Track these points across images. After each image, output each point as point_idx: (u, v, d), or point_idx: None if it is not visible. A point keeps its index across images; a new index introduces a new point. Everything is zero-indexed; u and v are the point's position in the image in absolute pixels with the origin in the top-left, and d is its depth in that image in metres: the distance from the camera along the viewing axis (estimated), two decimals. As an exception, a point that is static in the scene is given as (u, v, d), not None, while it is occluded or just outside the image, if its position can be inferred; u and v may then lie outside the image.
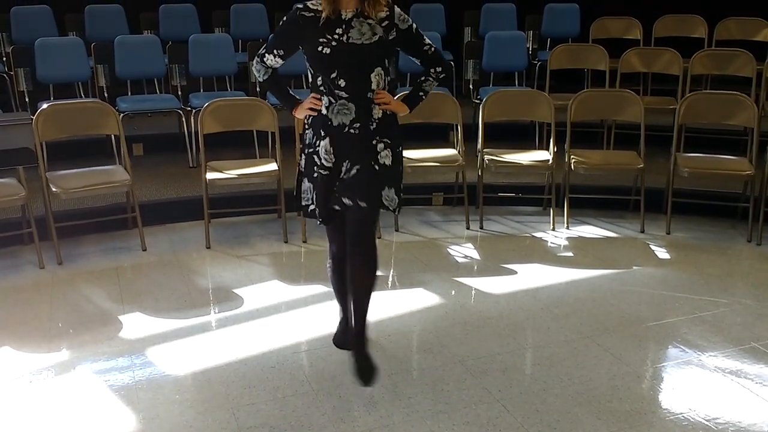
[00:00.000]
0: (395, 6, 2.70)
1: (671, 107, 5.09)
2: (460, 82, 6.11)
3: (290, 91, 2.88)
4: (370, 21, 2.62)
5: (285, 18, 2.71)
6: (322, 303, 3.54)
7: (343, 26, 2.61)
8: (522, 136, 5.41)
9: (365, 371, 2.72)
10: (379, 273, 3.85)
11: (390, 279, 3.91)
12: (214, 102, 4.30)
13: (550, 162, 4.51)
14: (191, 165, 5.17)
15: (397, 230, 4.51)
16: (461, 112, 4.65)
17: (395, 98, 2.76)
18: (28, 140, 3.89)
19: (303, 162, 2.78)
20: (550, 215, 4.62)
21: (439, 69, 2.81)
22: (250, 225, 4.59)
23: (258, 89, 5.63)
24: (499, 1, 6.66)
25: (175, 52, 5.59)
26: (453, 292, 3.70)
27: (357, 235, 2.69)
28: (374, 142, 2.69)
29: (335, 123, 2.65)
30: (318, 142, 2.69)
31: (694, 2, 6.38)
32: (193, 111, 4.98)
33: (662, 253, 4.24)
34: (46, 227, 3.99)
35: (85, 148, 5.01)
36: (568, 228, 4.57)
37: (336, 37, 2.59)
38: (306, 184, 2.77)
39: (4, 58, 5.77)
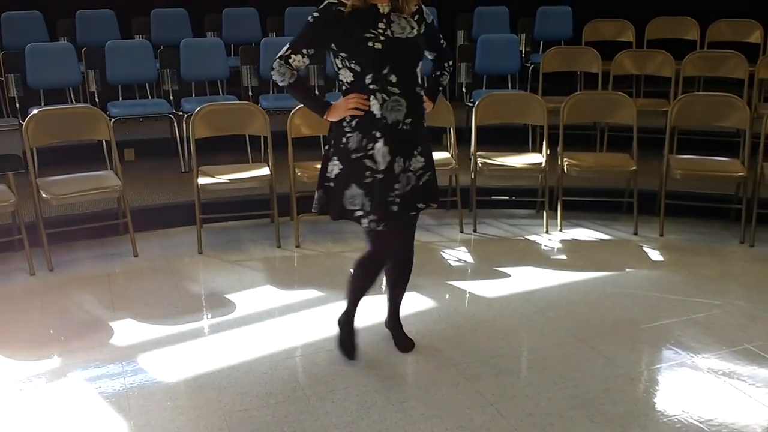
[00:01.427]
0: (422, 4, 2.72)
1: (664, 109, 5.10)
2: (453, 85, 6.11)
3: (317, 94, 2.83)
4: (405, 15, 2.62)
5: (316, 14, 2.60)
6: (315, 308, 3.53)
7: (384, 20, 2.58)
8: (515, 139, 5.41)
9: (405, 345, 3.08)
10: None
11: (383, 283, 3.89)
12: (206, 106, 4.29)
13: (543, 165, 4.51)
14: (183, 170, 5.15)
15: (390, 234, 4.50)
16: (454, 116, 4.64)
17: None
18: (17, 146, 3.87)
19: (341, 167, 2.67)
20: (543, 218, 4.61)
21: (450, 63, 2.91)
22: (242, 230, 4.58)
23: (250, 93, 5.62)
24: (491, 4, 6.67)
25: (166, 57, 5.57)
26: (446, 296, 3.69)
27: (413, 236, 2.91)
28: (426, 143, 2.75)
29: (390, 120, 2.59)
30: (371, 144, 2.61)
31: (686, 4, 6.40)
32: (185, 116, 4.96)
33: (655, 255, 4.24)
34: (36, 233, 3.96)
35: (76, 154, 4.98)
36: (561, 231, 4.56)
37: (380, 31, 2.56)
38: (354, 191, 2.65)
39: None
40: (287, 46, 2.68)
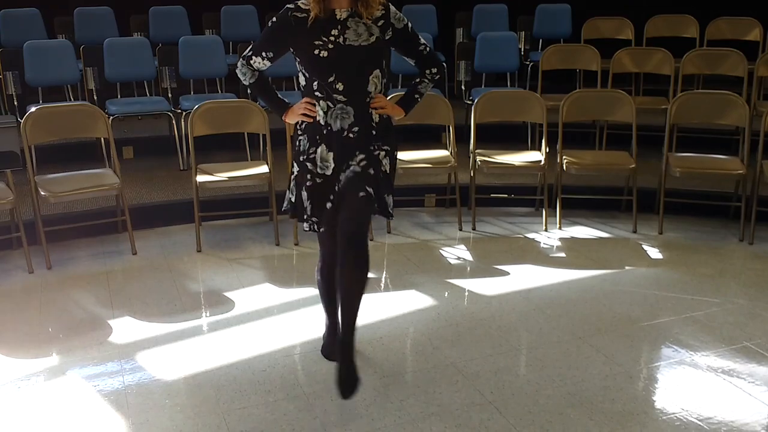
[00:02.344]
0: (390, 4, 2.63)
1: (663, 107, 5.10)
2: (452, 83, 6.10)
3: (279, 95, 2.79)
4: (365, 21, 2.54)
5: (275, 18, 2.62)
6: (314, 306, 3.52)
7: (339, 27, 2.52)
8: (514, 137, 5.41)
9: (347, 383, 2.55)
10: (370, 276, 3.86)
11: (382, 281, 3.90)
12: (204, 104, 4.28)
13: (542, 163, 4.50)
14: (182, 168, 5.14)
15: (389, 232, 4.50)
16: (453, 114, 4.64)
17: (389, 100, 2.71)
18: (14, 144, 3.86)
19: (297, 170, 2.67)
20: (542, 216, 4.61)
21: (434, 70, 2.76)
22: (241, 228, 4.57)
23: (249, 91, 5.62)
24: (490, 2, 6.66)
25: (165, 55, 5.57)
26: (445, 294, 3.69)
27: (352, 235, 2.57)
28: (375, 150, 2.61)
29: (335, 128, 2.58)
30: (313, 149, 2.61)
31: (685, 2, 6.40)
32: (184, 113, 4.96)
33: (654, 253, 4.24)
34: (35, 231, 3.96)
35: (75, 152, 4.98)
36: (560, 228, 4.56)
37: (332, 39, 2.51)
38: (303, 194, 2.64)
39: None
40: (250, 47, 2.71)
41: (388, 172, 2.67)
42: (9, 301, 3.57)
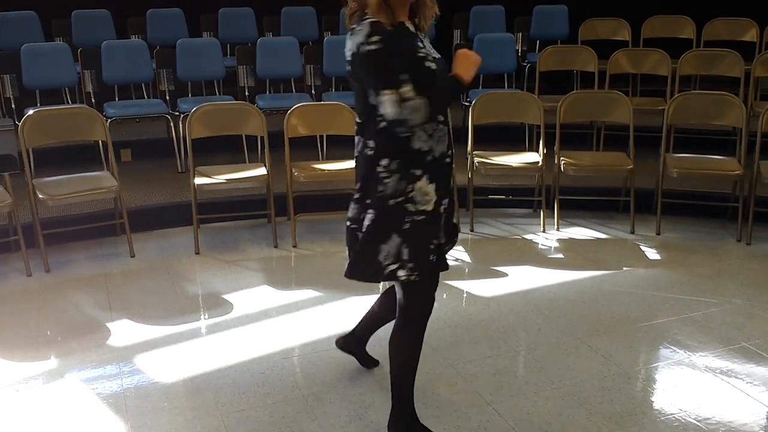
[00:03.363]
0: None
1: (660, 108, 5.10)
2: (449, 84, 6.10)
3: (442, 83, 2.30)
4: (424, 35, 2.32)
5: (376, 37, 2.12)
6: (313, 308, 3.53)
7: (419, 41, 2.23)
8: (511, 138, 5.41)
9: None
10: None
11: (380, 282, 3.89)
12: (202, 107, 4.28)
13: (540, 164, 4.51)
14: (180, 170, 5.14)
15: (387, 233, 4.49)
16: (451, 115, 4.63)
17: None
18: (12, 147, 3.86)
19: (376, 218, 2.24)
20: (540, 217, 4.62)
21: None
22: (239, 230, 4.57)
23: (247, 93, 5.62)
24: (487, 3, 6.67)
25: (162, 57, 5.57)
26: (444, 295, 3.69)
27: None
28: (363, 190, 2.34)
29: (437, 153, 2.23)
30: (410, 186, 2.21)
31: (682, 3, 6.41)
32: (182, 116, 4.95)
33: (652, 254, 4.25)
34: (33, 234, 3.96)
35: (73, 155, 4.97)
36: (558, 230, 4.57)
37: (424, 52, 2.22)
38: (391, 244, 2.24)
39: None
40: (385, 88, 2.12)
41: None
42: (7, 304, 3.57)
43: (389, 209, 2.24)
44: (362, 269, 2.35)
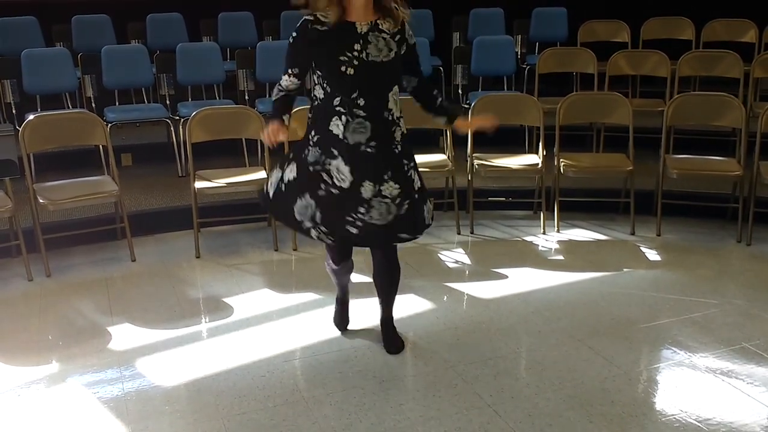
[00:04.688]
0: (406, 21, 2.62)
1: (659, 109, 5.11)
2: (449, 87, 6.11)
3: (282, 118, 2.70)
4: (384, 35, 2.53)
5: (294, 33, 2.56)
6: (313, 311, 3.53)
7: (361, 41, 2.51)
8: (511, 140, 5.41)
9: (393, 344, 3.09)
10: (369, 279, 3.87)
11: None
12: (202, 111, 4.29)
13: (540, 166, 4.51)
14: (180, 174, 5.15)
15: (387, 236, 4.50)
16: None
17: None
18: (12, 152, 3.87)
19: (296, 174, 2.67)
20: (540, 219, 4.62)
21: (436, 92, 2.88)
22: (239, 233, 4.57)
23: (247, 97, 5.63)
24: (487, 6, 6.68)
25: (162, 62, 5.58)
26: (444, 298, 3.69)
27: (393, 252, 2.91)
28: (406, 168, 2.70)
29: (351, 142, 2.58)
30: (328, 160, 2.62)
31: (680, 4, 6.41)
32: (182, 120, 4.97)
33: (652, 255, 4.25)
34: (34, 239, 3.96)
35: (73, 159, 4.98)
36: (558, 231, 4.57)
37: (356, 54, 2.49)
38: (306, 201, 2.66)
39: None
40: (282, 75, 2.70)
41: (421, 185, 2.78)
42: (9, 309, 3.58)
43: (310, 173, 2.65)
44: (282, 212, 2.77)
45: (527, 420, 2.65)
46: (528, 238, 4.50)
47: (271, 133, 2.59)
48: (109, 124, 4.69)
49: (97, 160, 4.81)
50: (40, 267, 3.92)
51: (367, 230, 2.66)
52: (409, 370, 3.05)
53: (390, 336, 3.12)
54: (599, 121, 5.14)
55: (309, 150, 2.66)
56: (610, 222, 4.72)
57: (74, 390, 2.88)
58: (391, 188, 2.65)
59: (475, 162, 4.54)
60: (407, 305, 3.58)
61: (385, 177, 2.64)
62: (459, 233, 4.57)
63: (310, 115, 2.72)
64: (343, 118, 2.56)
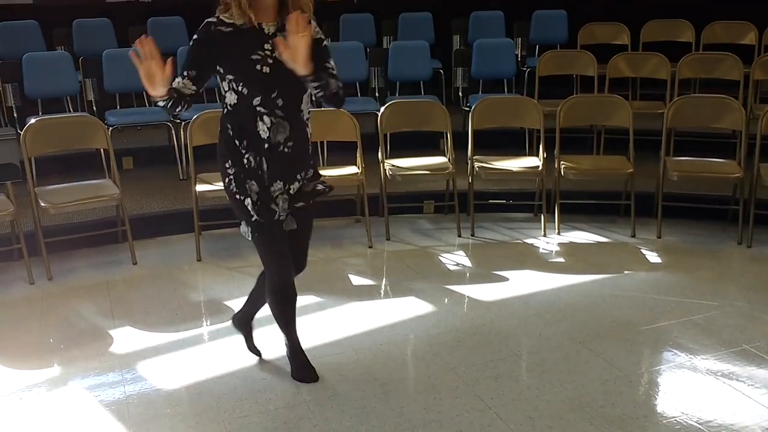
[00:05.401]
0: (312, 19, 2.56)
1: (660, 111, 5.11)
2: (449, 89, 6.13)
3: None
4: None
5: (196, 35, 2.50)
6: (314, 314, 3.54)
7: (270, 42, 2.47)
8: (512, 142, 5.42)
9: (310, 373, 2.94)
10: (370, 282, 3.88)
11: (382, 288, 3.91)
12: (202, 114, 4.30)
13: (540, 168, 4.52)
14: (182, 177, 5.16)
15: (388, 239, 4.50)
16: (450, 120, 4.66)
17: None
18: (14, 155, 3.88)
19: (235, 181, 2.62)
20: (541, 221, 4.62)
21: (341, 85, 2.65)
22: (240, 237, 4.54)
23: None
24: (487, 9, 6.70)
25: (163, 65, 5.58)
26: (445, 300, 3.70)
27: (305, 257, 2.92)
28: (310, 170, 2.72)
29: (273, 142, 2.57)
30: (252, 158, 2.59)
31: (680, 7, 6.43)
32: (183, 123, 4.97)
33: (653, 257, 4.25)
34: (35, 242, 3.97)
35: (75, 163, 4.99)
36: (559, 234, 4.57)
37: (267, 53, 2.47)
38: (248, 201, 2.63)
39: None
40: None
41: (323, 188, 2.78)
42: (10, 312, 3.58)
43: (242, 180, 2.61)
44: (269, 235, 2.71)
45: (528, 422, 2.65)
46: (529, 241, 4.50)
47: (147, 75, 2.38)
48: (111, 128, 4.70)
49: (99, 163, 4.82)
50: (42, 270, 3.93)
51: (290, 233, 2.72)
52: (409, 372, 3.05)
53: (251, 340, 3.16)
54: (599, 124, 5.14)
55: (248, 159, 2.60)
56: (610, 224, 4.72)
57: (76, 393, 2.88)
58: (296, 186, 2.67)
59: (476, 164, 4.55)
60: (407, 308, 3.59)
61: (298, 177, 2.66)
62: (460, 236, 4.57)
63: (228, 125, 2.61)
64: (266, 118, 2.54)
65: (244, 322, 3.12)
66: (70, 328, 3.42)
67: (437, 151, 5.05)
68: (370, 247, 4.37)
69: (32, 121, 4.18)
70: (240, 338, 3.30)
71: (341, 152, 4.75)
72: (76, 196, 3.97)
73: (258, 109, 2.53)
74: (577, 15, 6.56)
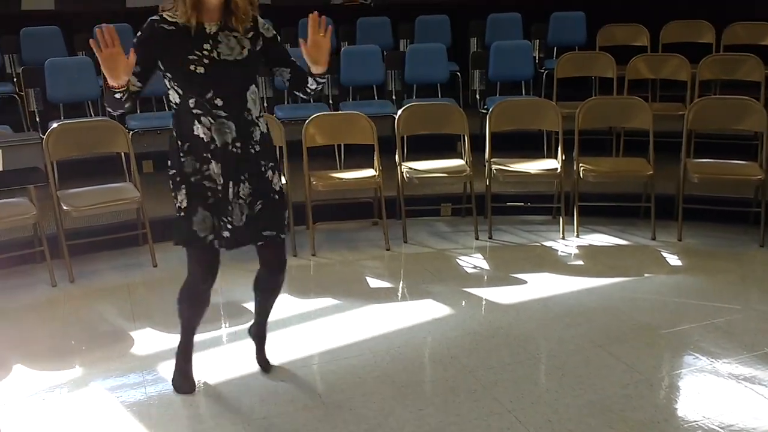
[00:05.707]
0: (258, 16, 2.57)
1: (680, 113, 5.06)
2: (466, 92, 6.12)
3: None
4: (236, 34, 2.49)
5: (140, 32, 2.47)
6: (332, 316, 3.55)
7: (210, 41, 2.45)
8: (530, 145, 5.40)
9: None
10: (387, 285, 3.88)
11: (399, 290, 3.91)
12: (222, 118, 4.32)
13: (559, 170, 4.50)
14: (201, 180, 5.18)
15: (405, 242, 4.50)
16: (468, 123, 4.66)
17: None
18: (38, 159, 3.92)
19: (186, 192, 2.57)
20: (559, 224, 4.60)
21: (312, 86, 2.66)
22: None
23: (266, 104, 5.67)
24: (504, 11, 6.68)
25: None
26: (463, 303, 3.69)
27: (279, 263, 2.84)
28: (263, 169, 2.64)
29: (220, 143, 2.52)
30: (204, 166, 2.55)
31: (701, 8, 6.36)
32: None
33: (674, 260, 4.21)
34: (57, 245, 4.02)
35: (96, 166, 5.04)
36: (578, 236, 4.55)
37: (206, 53, 2.44)
38: (202, 213, 2.57)
39: (15, 79, 5.84)
40: None
41: (281, 188, 2.72)
42: (33, 314, 3.63)
43: (195, 184, 2.57)
44: (185, 237, 2.64)
45: (547, 426, 2.64)
46: (547, 243, 4.48)
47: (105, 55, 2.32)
48: (131, 132, 4.75)
49: (119, 167, 4.86)
50: (64, 273, 3.98)
51: (234, 232, 2.62)
52: (428, 375, 3.05)
53: (263, 351, 3.08)
54: (619, 126, 5.11)
55: (185, 161, 2.57)
56: (630, 227, 4.69)
57: (97, 394, 2.91)
58: (245, 188, 2.61)
59: (494, 167, 4.54)
60: (426, 311, 3.59)
61: (243, 178, 2.59)
62: (477, 238, 4.56)
63: (173, 124, 2.60)
64: (203, 119, 2.49)
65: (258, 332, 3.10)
66: (92, 330, 3.46)
67: (454, 153, 5.04)
68: (388, 249, 4.38)
69: (54, 125, 4.24)
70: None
71: (358, 155, 4.76)
72: (97, 200, 4.02)
73: (194, 111, 2.49)
74: (595, 16, 6.52)
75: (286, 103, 5.68)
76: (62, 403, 2.85)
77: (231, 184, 2.57)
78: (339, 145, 4.93)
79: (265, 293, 2.97)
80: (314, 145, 4.40)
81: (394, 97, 5.81)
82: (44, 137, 4.09)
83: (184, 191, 2.58)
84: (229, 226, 2.61)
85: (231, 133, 2.53)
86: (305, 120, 4.43)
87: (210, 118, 2.50)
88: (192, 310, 2.89)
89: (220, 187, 2.56)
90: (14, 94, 5.67)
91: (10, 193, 3.98)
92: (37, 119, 5.36)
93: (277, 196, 2.69)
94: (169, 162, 2.63)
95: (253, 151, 2.61)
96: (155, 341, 3.33)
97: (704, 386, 2.91)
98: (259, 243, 2.72)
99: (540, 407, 2.76)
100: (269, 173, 2.67)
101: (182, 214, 2.60)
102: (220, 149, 2.53)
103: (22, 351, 3.25)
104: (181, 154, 2.56)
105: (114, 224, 4.44)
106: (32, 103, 5.35)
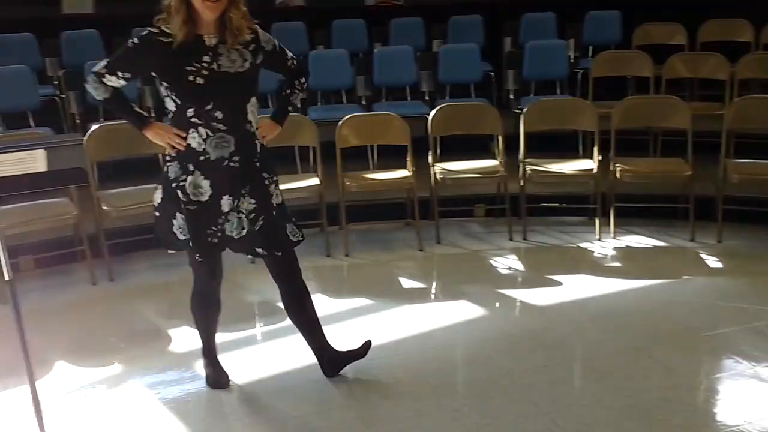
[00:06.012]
0: (258, 27, 2.57)
1: (719, 113, 4.96)
2: (500, 92, 6.08)
3: (136, 108, 2.71)
4: (237, 47, 2.49)
5: (136, 40, 2.48)
6: (365, 316, 3.56)
7: (210, 53, 2.45)
8: (565, 145, 5.35)
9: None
10: (421, 285, 3.86)
11: (433, 291, 3.91)
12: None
13: (595, 171, 4.45)
14: (236, 181, 5.24)
15: (438, 242, 4.49)
16: (502, 123, 4.63)
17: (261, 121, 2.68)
18: (81, 160, 3.99)
19: (164, 196, 2.62)
20: (595, 225, 4.54)
21: (303, 80, 2.78)
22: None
23: (299, 105, 5.70)
24: (538, 10, 6.62)
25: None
26: (497, 304, 3.67)
27: (287, 276, 2.81)
28: (267, 182, 2.66)
29: (213, 157, 2.51)
30: (183, 176, 2.54)
31: (739, 6, 6.23)
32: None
33: (714, 262, 4.13)
34: (98, 245, 4.10)
35: (135, 167, 5.13)
36: (614, 238, 4.48)
37: (205, 65, 2.44)
38: (179, 220, 2.61)
39: (56, 82, 5.97)
40: (104, 62, 2.55)
41: (281, 201, 2.73)
42: (74, 312, 3.71)
43: (170, 190, 2.60)
44: (167, 239, 2.73)
45: (585, 429, 2.61)
46: (583, 245, 4.43)
47: (174, 137, 2.52)
48: (168, 133, 4.81)
49: (158, 168, 4.94)
50: (104, 271, 4.06)
51: (224, 239, 2.67)
52: (462, 376, 3.04)
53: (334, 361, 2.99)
54: (656, 125, 5.02)
55: (169, 166, 2.60)
56: (668, 228, 4.60)
57: (136, 391, 2.97)
58: (247, 203, 2.62)
59: (528, 167, 4.50)
60: (459, 311, 3.57)
61: (243, 192, 2.60)
62: (511, 239, 4.53)
63: None
64: (201, 130, 2.49)
65: (334, 361, 3.00)
66: (131, 328, 3.53)
67: (487, 154, 5.02)
68: (421, 250, 4.37)
69: (95, 127, 4.33)
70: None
71: (392, 156, 4.76)
72: (136, 200, 4.09)
73: (192, 120, 2.49)
74: (630, 15, 6.43)
75: (318, 104, 5.71)
76: (102, 399, 2.92)
77: (226, 197, 2.57)
78: (372, 146, 4.94)
79: (291, 313, 2.92)
80: (348, 146, 4.42)
81: (427, 98, 5.80)
82: (85, 139, 4.17)
83: (160, 190, 2.64)
84: (219, 234, 2.64)
85: (229, 147, 2.52)
86: (339, 121, 4.45)
87: (208, 131, 2.50)
88: (205, 315, 2.94)
89: (203, 199, 2.56)
90: (56, 96, 5.79)
91: (52, 194, 4.07)
92: (78, 121, 5.47)
93: (275, 212, 2.70)
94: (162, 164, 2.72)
95: (257, 164, 2.63)
96: (192, 339, 3.36)
97: (745, 390, 2.85)
98: (250, 256, 2.78)
99: (577, 410, 2.73)
100: (272, 187, 2.70)
101: (157, 214, 2.68)
102: (212, 163, 2.52)
103: (63, 348, 3.33)
104: (168, 158, 2.61)
105: (152, 224, 4.49)
106: (73, 106, 5.47)
